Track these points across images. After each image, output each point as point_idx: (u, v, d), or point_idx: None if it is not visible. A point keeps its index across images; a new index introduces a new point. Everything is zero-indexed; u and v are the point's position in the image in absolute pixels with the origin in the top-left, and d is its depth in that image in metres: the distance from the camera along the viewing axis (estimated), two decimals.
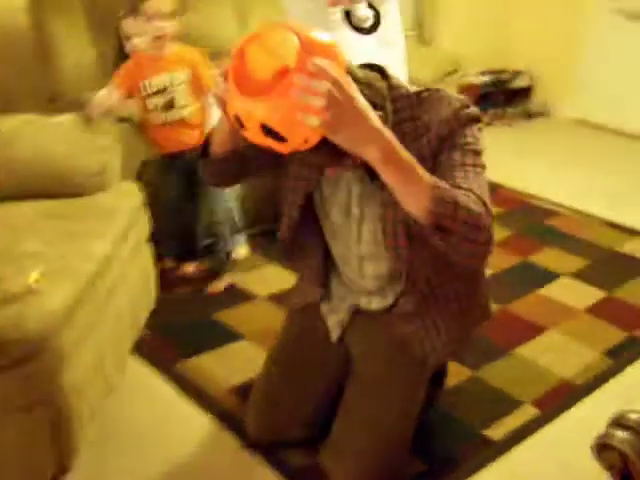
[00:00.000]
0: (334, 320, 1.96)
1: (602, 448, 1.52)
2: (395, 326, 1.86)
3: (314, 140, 1.37)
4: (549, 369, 2.39)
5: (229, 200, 2.83)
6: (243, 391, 2.18)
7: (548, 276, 3.00)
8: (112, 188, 2.38)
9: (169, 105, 2.67)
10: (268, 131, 1.34)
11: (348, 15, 2.45)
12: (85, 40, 3.10)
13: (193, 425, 2.10)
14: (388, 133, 1.36)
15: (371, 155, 1.35)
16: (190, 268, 2.91)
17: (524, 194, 3.83)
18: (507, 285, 2.90)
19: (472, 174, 1.52)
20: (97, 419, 2.03)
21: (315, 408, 1.94)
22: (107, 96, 2.52)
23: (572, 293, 2.87)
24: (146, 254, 2.48)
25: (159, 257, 2.68)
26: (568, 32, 5.02)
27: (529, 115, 5.19)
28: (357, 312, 1.94)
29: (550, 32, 5.08)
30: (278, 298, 2.75)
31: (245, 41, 1.36)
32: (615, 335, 2.59)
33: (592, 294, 2.87)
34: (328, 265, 1.95)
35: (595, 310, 2.75)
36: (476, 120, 1.61)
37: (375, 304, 1.90)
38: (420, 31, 4.92)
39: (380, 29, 2.53)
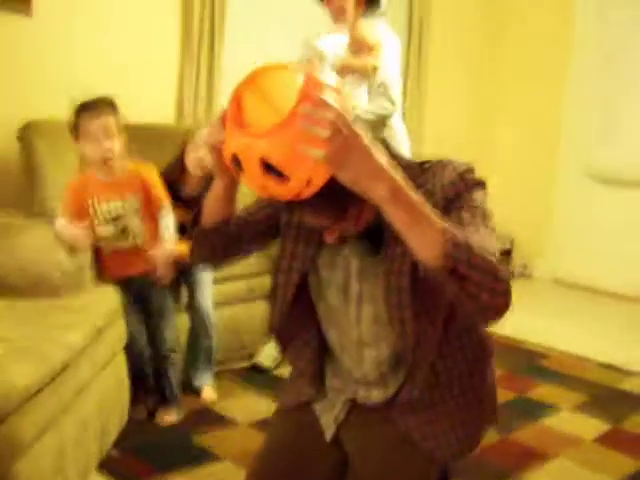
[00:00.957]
0: (328, 418, 1.76)
1: None
2: (397, 419, 1.67)
3: (318, 182, 1.28)
4: None
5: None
6: None
7: (548, 409, 2.83)
8: (88, 290, 2.24)
9: (121, 234, 2.49)
10: (268, 169, 1.25)
11: None
12: (70, 166, 3.10)
13: None
14: (395, 172, 1.29)
15: (379, 194, 1.27)
16: (171, 417, 2.55)
17: (513, 339, 3.72)
18: (505, 417, 2.71)
19: (483, 231, 1.44)
20: None
21: None
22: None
23: (576, 425, 2.69)
24: (121, 364, 2.29)
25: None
26: (542, 196, 5.20)
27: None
28: (354, 407, 1.74)
29: (525, 196, 5.25)
30: (260, 425, 2.52)
31: (243, 85, 1.31)
32: (628, 464, 2.39)
33: (597, 426, 2.69)
34: (325, 359, 1.79)
35: (603, 440, 2.57)
36: (482, 185, 1.56)
37: (375, 396, 1.71)
38: None
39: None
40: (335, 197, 1.37)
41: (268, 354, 3.14)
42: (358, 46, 3.03)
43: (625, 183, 4.89)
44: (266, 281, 3.16)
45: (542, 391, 3.01)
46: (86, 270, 2.24)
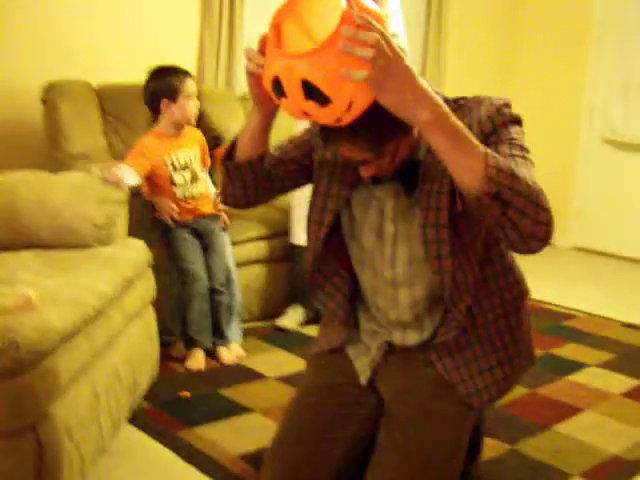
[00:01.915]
0: (363, 362, 1.75)
1: None
2: (434, 361, 1.66)
3: (359, 106, 1.26)
4: (595, 445, 2.15)
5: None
6: (255, 459, 1.92)
7: (575, 365, 2.81)
8: (118, 243, 2.23)
9: (194, 179, 2.78)
10: (310, 91, 1.22)
11: None
12: (96, 130, 3.10)
13: None
14: (436, 96, 1.27)
15: (422, 118, 1.25)
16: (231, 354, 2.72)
17: (538, 301, 3.69)
18: (533, 373, 2.67)
19: (523, 164, 1.42)
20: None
21: (343, 456, 1.67)
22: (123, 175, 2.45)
23: (603, 380, 2.67)
24: (150, 317, 2.29)
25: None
26: (564, 163, 5.15)
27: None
28: (389, 351, 1.74)
29: (547, 164, 5.19)
30: (288, 379, 2.52)
31: (282, 12, 1.29)
32: None
33: (624, 381, 2.67)
34: (357, 303, 1.78)
35: (631, 395, 2.55)
36: (519, 121, 1.53)
37: (411, 338, 1.70)
38: None
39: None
40: (374, 128, 1.35)
41: (292, 317, 3.13)
42: None
43: None
44: (287, 242, 3.17)
45: (568, 349, 2.99)
46: (116, 223, 2.22)
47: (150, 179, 2.70)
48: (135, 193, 2.56)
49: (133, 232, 2.38)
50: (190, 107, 2.70)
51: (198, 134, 2.86)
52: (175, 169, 2.72)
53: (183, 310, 2.64)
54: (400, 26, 3.14)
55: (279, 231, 3.22)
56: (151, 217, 2.76)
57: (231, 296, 2.79)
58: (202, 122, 3.04)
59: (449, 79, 4.77)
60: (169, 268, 2.70)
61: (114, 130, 3.16)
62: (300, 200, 3.01)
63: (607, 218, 5.02)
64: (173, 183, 2.72)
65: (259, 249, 3.16)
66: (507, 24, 5.30)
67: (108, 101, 3.15)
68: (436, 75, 4.60)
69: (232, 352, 2.72)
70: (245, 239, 3.08)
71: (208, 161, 2.90)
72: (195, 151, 2.80)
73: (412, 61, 1.25)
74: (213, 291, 2.71)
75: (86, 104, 3.09)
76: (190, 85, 2.70)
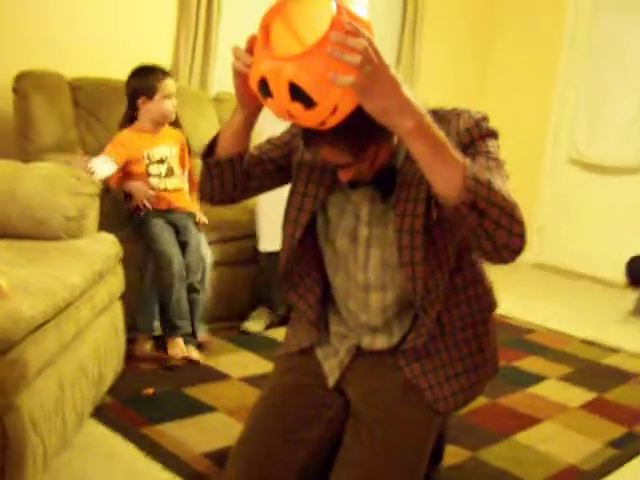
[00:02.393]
0: (332, 364, 1.76)
1: None
2: (402, 366, 1.68)
3: (344, 110, 1.28)
4: (552, 454, 2.20)
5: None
6: (219, 458, 1.92)
7: (534, 378, 2.87)
8: (89, 236, 2.21)
9: (170, 173, 2.81)
10: (296, 93, 1.24)
11: None
12: (68, 122, 3.07)
13: None
14: (419, 105, 1.29)
15: (404, 125, 1.27)
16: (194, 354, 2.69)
17: (500, 315, 3.72)
18: (494, 384, 2.71)
19: (499, 177, 1.45)
20: (50, 474, 1.74)
21: (308, 457, 1.67)
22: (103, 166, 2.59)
23: (562, 393, 2.73)
24: (118, 311, 2.28)
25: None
26: (528, 181, 5.24)
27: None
28: (358, 354, 1.75)
29: (512, 181, 5.27)
30: (253, 380, 2.53)
31: (271, 13, 1.30)
32: (614, 429, 2.43)
33: (583, 395, 2.73)
34: (328, 306, 1.80)
35: (589, 407, 2.61)
36: (496, 135, 1.57)
37: (380, 343, 1.73)
38: None
39: None
40: (356, 133, 1.37)
41: (257, 321, 3.13)
42: None
43: (608, 170, 4.95)
44: (253, 245, 3.16)
45: (529, 362, 3.05)
46: (87, 215, 2.20)
47: (126, 169, 2.74)
48: (105, 187, 2.57)
49: (104, 227, 2.37)
50: (166, 106, 2.75)
51: (178, 134, 2.90)
52: (151, 162, 2.77)
53: (162, 296, 2.65)
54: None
55: (245, 234, 3.22)
56: (125, 208, 2.77)
57: (203, 293, 2.80)
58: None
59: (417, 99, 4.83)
60: (139, 262, 2.70)
61: (86, 124, 3.13)
62: (265, 207, 3.03)
63: (567, 236, 5.13)
64: (148, 174, 2.76)
65: (224, 251, 3.14)
66: (478, 44, 5.40)
67: (81, 94, 3.13)
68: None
69: (190, 352, 2.71)
70: (211, 241, 3.06)
71: (188, 163, 2.92)
72: (173, 149, 2.84)
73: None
74: (189, 289, 2.72)
75: (58, 96, 3.06)
76: (169, 85, 2.75)
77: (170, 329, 2.65)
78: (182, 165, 2.90)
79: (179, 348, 2.62)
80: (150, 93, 2.72)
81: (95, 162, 2.54)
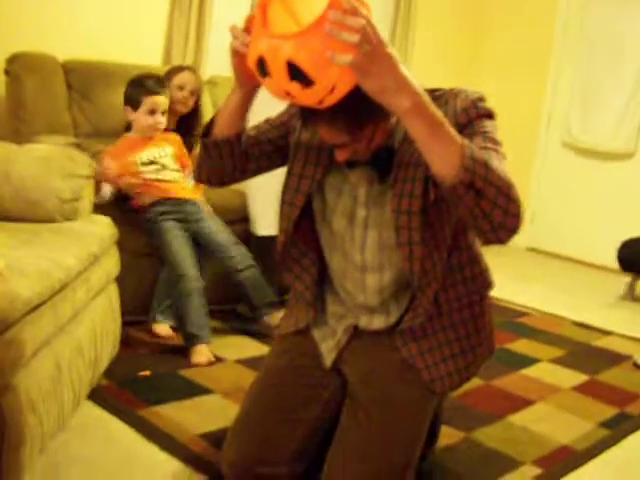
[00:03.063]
0: (329, 345, 1.77)
1: None
2: (399, 346, 1.69)
3: (342, 89, 1.28)
4: (545, 435, 2.22)
5: None
6: (215, 439, 1.93)
7: (527, 360, 2.89)
8: (83, 218, 2.21)
9: (162, 169, 2.79)
10: (294, 72, 1.24)
11: None
12: (61, 105, 3.05)
13: (157, 469, 1.82)
14: (417, 85, 1.29)
15: (402, 104, 1.27)
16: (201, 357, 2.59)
17: (493, 298, 3.75)
18: (487, 366, 2.73)
19: (495, 157, 1.45)
20: (47, 455, 1.75)
21: (305, 437, 1.69)
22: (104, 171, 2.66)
23: (555, 375, 2.76)
24: (113, 293, 2.27)
25: None
26: (521, 165, 5.25)
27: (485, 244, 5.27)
28: (355, 334, 1.76)
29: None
30: (249, 362, 2.54)
31: None
32: (606, 410, 2.46)
33: (575, 377, 2.76)
34: (324, 286, 1.80)
35: (581, 389, 2.64)
36: (493, 115, 1.57)
37: (377, 323, 1.73)
38: None
39: None
40: (354, 112, 1.37)
41: None
42: None
43: (600, 155, 4.97)
44: (247, 228, 3.16)
45: (522, 345, 3.07)
46: (82, 198, 2.20)
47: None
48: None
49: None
50: (148, 121, 2.72)
51: (172, 137, 2.87)
52: (142, 164, 2.75)
53: (179, 307, 2.59)
54: None
55: (239, 217, 3.21)
56: (128, 209, 2.76)
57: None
58: None
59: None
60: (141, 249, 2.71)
61: (79, 106, 3.11)
62: (256, 191, 3.02)
63: (561, 220, 5.16)
64: (140, 174, 2.74)
65: None
66: (470, 30, 5.39)
67: (74, 76, 3.11)
68: None
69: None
70: None
71: (188, 162, 2.87)
72: (166, 150, 2.81)
73: None
74: (233, 271, 2.75)
75: (51, 78, 3.04)
76: (156, 102, 2.71)
77: (191, 340, 2.56)
78: (182, 165, 2.86)
79: (204, 356, 2.53)
80: (135, 105, 2.71)
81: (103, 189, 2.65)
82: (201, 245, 2.77)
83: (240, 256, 2.77)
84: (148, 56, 3.57)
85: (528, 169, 5.27)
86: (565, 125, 5.12)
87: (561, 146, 5.18)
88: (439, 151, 1.31)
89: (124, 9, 3.46)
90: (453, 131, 1.32)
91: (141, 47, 3.55)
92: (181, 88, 2.89)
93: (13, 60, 2.94)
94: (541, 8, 5.17)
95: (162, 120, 2.74)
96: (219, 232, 2.79)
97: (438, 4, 5.04)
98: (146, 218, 2.71)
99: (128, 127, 2.81)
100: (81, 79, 3.12)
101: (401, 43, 4.66)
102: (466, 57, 5.40)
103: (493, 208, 1.34)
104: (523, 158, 5.26)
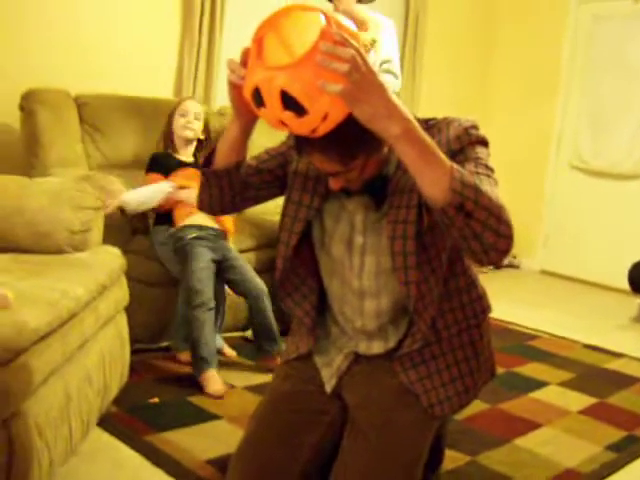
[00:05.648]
0: (329, 371, 1.80)
1: None
2: (398, 372, 1.72)
3: (334, 117, 1.33)
4: (551, 458, 2.22)
5: None
6: (222, 464, 1.95)
7: (536, 383, 2.90)
8: (93, 249, 2.27)
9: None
10: (288, 102, 1.29)
11: None
12: (74, 138, 3.13)
13: None
14: (407, 111, 1.34)
15: (392, 130, 1.32)
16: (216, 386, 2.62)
17: (501, 321, 3.78)
18: (494, 389, 2.76)
19: (487, 181, 1.49)
20: None
21: (308, 461, 1.71)
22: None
23: (563, 398, 2.76)
24: (122, 322, 2.32)
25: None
26: (533, 190, 5.28)
27: (499, 267, 5.29)
28: (355, 359, 1.79)
29: (516, 190, 5.31)
30: (256, 389, 2.56)
31: (265, 26, 1.35)
32: (614, 434, 2.45)
33: (584, 400, 2.76)
34: (325, 313, 1.84)
35: (589, 412, 2.63)
36: (486, 142, 1.61)
37: (376, 348, 1.76)
38: None
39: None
40: (346, 141, 1.42)
41: None
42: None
43: (612, 176, 4.98)
44: (259, 256, 3.21)
45: (531, 368, 3.08)
46: (91, 229, 2.25)
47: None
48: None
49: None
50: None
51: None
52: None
53: (192, 333, 2.62)
54: (394, 52, 3.28)
55: (254, 245, 3.26)
56: (168, 232, 2.90)
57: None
58: None
59: (421, 108, 4.87)
60: (142, 277, 2.74)
61: (91, 139, 3.20)
62: None
63: (573, 243, 5.16)
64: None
65: None
66: (479, 55, 5.45)
67: (86, 110, 3.19)
68: (409, 107, 4.72)
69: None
70: None
71: None
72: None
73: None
74: (256, 311, 2.82)
75: (64, 112, 3.13)
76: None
77: (199, 364, 2.59)
78: None
79: (218, 384, 2.55)
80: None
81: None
82: (225, 277, 2.86)
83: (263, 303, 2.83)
84: (159, 89, 3.66)
85: (540, 192, 5.29)
86: (574, 148, 5.14)
87: (572, 169, 5.20)
88: (429, 174, 1.35)
89: (135, 42, 3.56)
90: (443, 155, 1.36)
91: (152, 80, 3.64)
92: (184, 115, 3.08)
93: (27, 96, 3.03)
94: (550, 31, 5.23)
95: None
96: (253, 279, 2.86)
97: (447, 29, 5.11)
98: (178, 236, 2.81)
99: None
100: (93, 112, 3.20)
101: (409, 64, 4.72)
102: (475, 82, 5.45)
103: (484, 230, 1.38)
104: (534, 181, 5.29)
